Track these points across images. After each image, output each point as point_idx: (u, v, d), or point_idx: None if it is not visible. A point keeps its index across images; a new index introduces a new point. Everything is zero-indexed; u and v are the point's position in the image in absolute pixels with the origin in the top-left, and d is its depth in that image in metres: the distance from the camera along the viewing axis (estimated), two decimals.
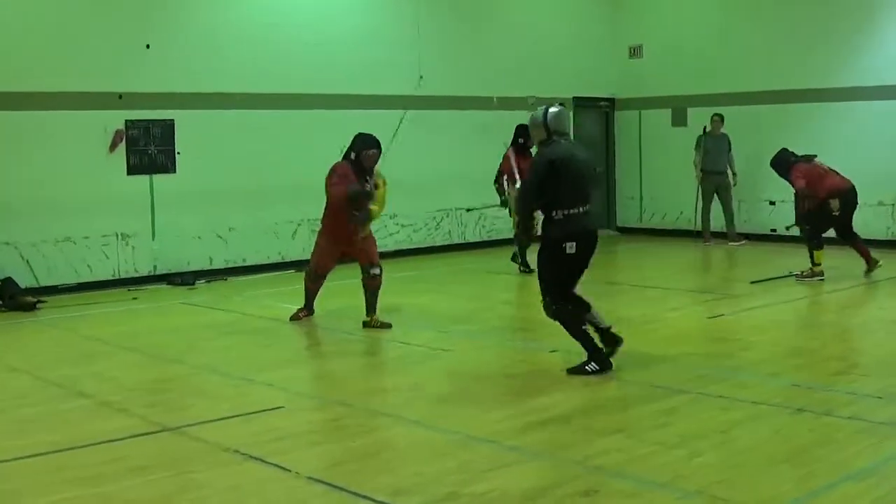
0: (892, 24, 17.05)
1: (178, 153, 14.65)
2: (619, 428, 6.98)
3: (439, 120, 17.56)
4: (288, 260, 15.78)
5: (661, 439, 6.67)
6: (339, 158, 11.14)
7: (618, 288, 13.66)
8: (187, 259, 14.81)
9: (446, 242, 17.89)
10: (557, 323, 8.64)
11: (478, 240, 18.25)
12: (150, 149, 14.38)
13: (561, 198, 8.27)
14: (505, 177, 14.74)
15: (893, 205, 16.97)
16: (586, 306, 8.66)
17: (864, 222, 15.51)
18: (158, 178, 14.51)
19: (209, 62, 14.94)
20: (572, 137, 8.87)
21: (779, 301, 12.13)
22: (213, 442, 6.81)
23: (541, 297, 8.62)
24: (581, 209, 8.36)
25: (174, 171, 14.64)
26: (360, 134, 11.16)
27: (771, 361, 8.95)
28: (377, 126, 16.32)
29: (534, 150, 9.18)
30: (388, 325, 10.89)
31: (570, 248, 8.29)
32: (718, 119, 18.03)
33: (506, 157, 14.88)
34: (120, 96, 14.13)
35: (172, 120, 14.59)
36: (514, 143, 14.88)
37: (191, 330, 11.25)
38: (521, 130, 14.66)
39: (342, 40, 16.40)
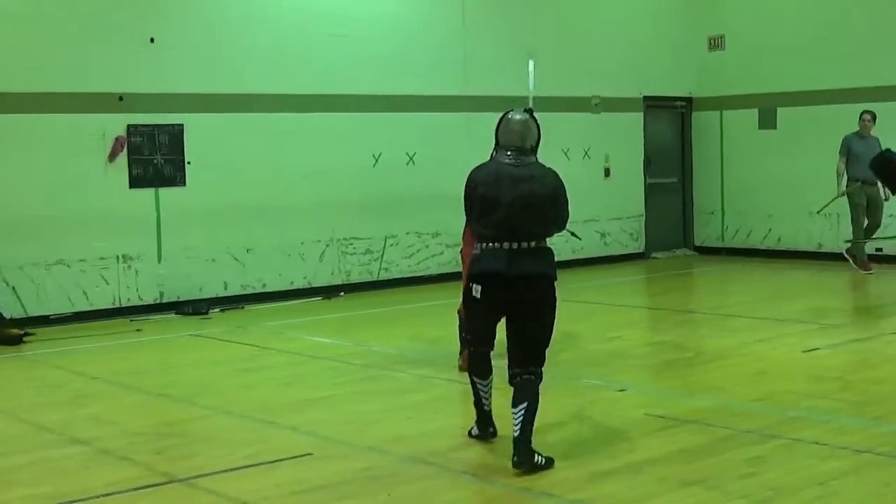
0: None
1: (188, 163, 14.76)
2: (699, 479, 6.92)
3: (487, 123, 17.52)
4: (315, 286, 15.84)
5: (748, 492, 6.61)
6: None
7: (695, 316, 13.62)
8: (199, 285, 14.91)
9: None
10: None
11: None
12: (155, 158, 14.49)
13: (478, 227, 7.62)
14: None
15: None
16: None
17: None
18: (165, 192, 14.61)
19: (223, 59, 15.05)
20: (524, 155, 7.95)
21: (884, 332, 12.04)
22: (228, 495, 6.82)
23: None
24: (502, 244, 7.50)
25: (183, 184, 14.74)
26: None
27: (876, 403, 8.86)
28: (418, 130, 16.52)
29: None
30: None
31: (476, 290, 7.56)
32: (869, 117, 17.21)
33: None
34: (120, 98, 14.27)
35: (181, 125, 14.70)
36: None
37: (203, 366, 11.30)
38: None
39: (375, 34, 16.48)
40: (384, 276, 16.60)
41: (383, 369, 10.77)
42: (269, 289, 15.52)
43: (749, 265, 18.55)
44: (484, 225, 7.55)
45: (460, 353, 11.14)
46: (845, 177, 17.03)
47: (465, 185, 7.79)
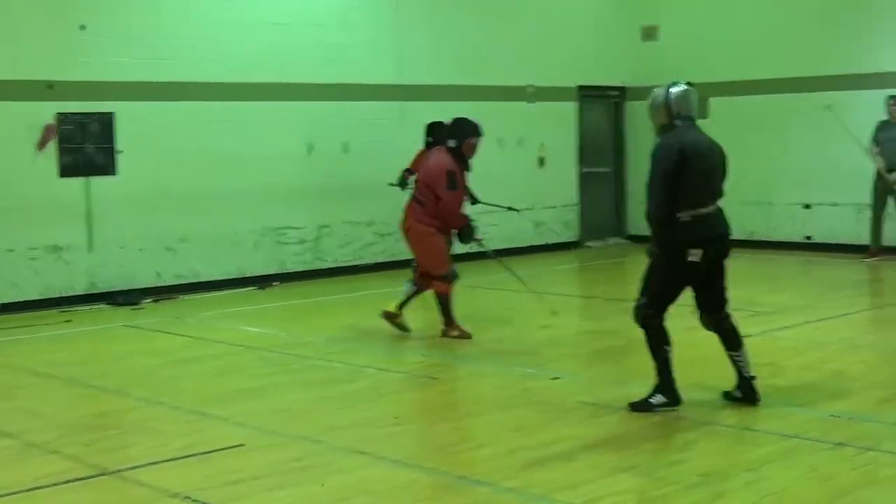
0: None
1: (119, 152, 14.61)
2: (630, 465, 6.99)
3: (424, 113, 17.54)
4: (249, 275, 15.77)
5: (678, 478, 6.68)
6: (423, 146, 11.43)
7: (628, 305, 13.50)
8: (131, 275, 14.77)
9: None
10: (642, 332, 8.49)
11: (467, 250, 18.20)
12: (85, 146, 14.35)
13: (686, 196, 8.07)
14: (412, 176, 14.82)
15: None
16: (733, 343, 8.52)
17: None
18: (96, 181, 14.47)
19: (154, 46, 14.90)
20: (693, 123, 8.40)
21: (815, 319, 12.17)
22: (159, 487, 6.78)
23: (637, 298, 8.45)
24: (710, 208, 8.20)
25: (114, 173, 14.60)
26: (459, 119, 11.52)
27: (806, 389, 8.97)
28: (352, 120, 16.49)
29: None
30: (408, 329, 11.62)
31: (694, 255, 8.07)
32: (894, 102, 16.63)
33: (417, 155, 14.87)
34: (50, 86, 14.10)
35: (112, 113, 14.55)
36: (426, 142, 14.79)
37: (134, 357, 11.22)
38: (431, 128, 14.85)
39: (310, 22, 16.41)
40: (318, 265, 16.55)
41: (317, 359, 10.76)
42: (202, 278, 15.41)
43: None
44: (702, 191, 8.15)
45: (452, 326, 11.22)
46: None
47: (678, 152, 8.06)
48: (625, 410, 8.30)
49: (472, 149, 11.38)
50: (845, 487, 6.44)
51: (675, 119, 8.25)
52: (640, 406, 8.31)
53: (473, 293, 15.15)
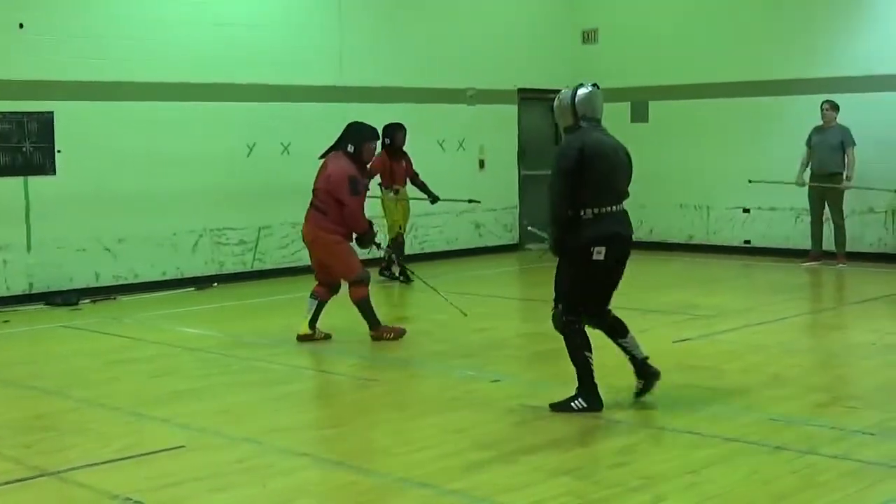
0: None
1: (59, 151, 14.50)
2: (572, 468, 7.01)
3: (365, 115, 17.49)
4: (187, 276, 15.69)
5: (619, 481, 6.71)
6: (330, 147, 11.38)
7: None
8: (69, 275, 14.67)
9: (365, 256, 17.81)
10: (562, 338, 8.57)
11: (411, 252, 18.23)
12: (24, 146, 14.22)
13: (592, 195, 8.18)
14: (371, 180, 14.93)
15: (886, 212, 17.20)
16: (622, 330, 8.66)
17: None
18: (34, 181, 14.34)
19: (94, 45, 14.80)
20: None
21: (754, 322, 12.27)
22: (99, 488, 6.73)
23: (553, 305, 8.54)
24: (614, 208, 8.29)
25: (53, 173, 14.48)
26: (356, 123, 11.57)
27: (746, 392, 9.02)
28: (293, 121, 16.44)
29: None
30: (329, 336, 11.47)
31: (598, 253, 8.17)
32: (829, 107, 16.82)
33: (375, 160, 14.93)
34: None
35: (51, 112, 14.43)
36: (382, 144, 14.91)
37: (73, 358, 11.14)
38: (388, 130, 15.10)
39: (251, 22, 16.37)
40: (258, 266, 16.49)
41: (256, 360, 10.72)
42: (141, 279, 15.32)
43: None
44: (604, 190, 8.24)
45: (380, 328, 11.21)
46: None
47: (577, 151, 8.16)
48: (567, 414, 8.31)
49: (371, 153, 11.49)
50: (786, 490, 6.49)
51: (580, 121, 8.39)
52: (560, 407, 8.35)
53: (410, 294, 15.19)
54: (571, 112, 8.41)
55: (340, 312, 11.87)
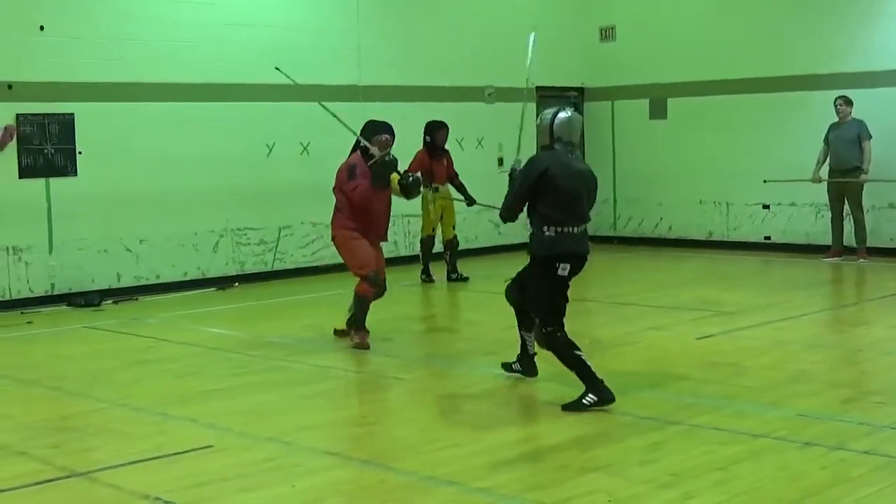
0: None
1: (80, 153, 14.54)
2: (601, 465, 6.99)
3: (384, 114, 17.46)
4: (209, 276, 15.72)
5: (649, 478, 6.68)
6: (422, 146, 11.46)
7: (589, 305, 13.70)
8: (91, 276, 14.71)
9: (392, 254, 17.81)
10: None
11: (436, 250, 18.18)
12: (45, 148, 14.25)
13: (554, 213, 8.59)
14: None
15: None
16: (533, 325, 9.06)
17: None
18: (56, 182, 14.37)
19: (115, 47, 14.85)
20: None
21: (777, 318, 12.22)
22: (129, 489, 6.74)
23: (509, 283, 9.40)
24: (574, 229, 8.65)
25: (75, 174, 14.52)
26: (371, 120, 11.62)
27: (771, 388, 9.00)
28: (312, 120, 16.40)
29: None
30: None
31: (563, 269, 8.63)
32: (842, 102, 16.84)
33: (416, 158, 15.33)
34: (9, 86, 14.01)
35: (72, 114, 14.47)
36: (423, 142, 15.36)
37: (96, 358, 11.16)
38: (429, 128, 15.17)
39: (269, 21, 16.39)
40: (279, 266, 16.51)
41: (280, 360, 10.72)
42: (162, 280, 15.35)
43: (641, 253, 18.73)
44: (565, 211, 8.64)
45: (356, 332, 11.19)
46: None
47: (541, 171, 8.60)
48: (591, 411, 8.30)
49: (384, 145, 11.35)
50: (816, 486, 6.46)
51: (555, 143, 8.78)
52: (573, 406, 8.42)
53: (438, 295, 15.20)
54: (549, 133, 8.80)
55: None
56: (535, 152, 8.90)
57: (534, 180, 8.58)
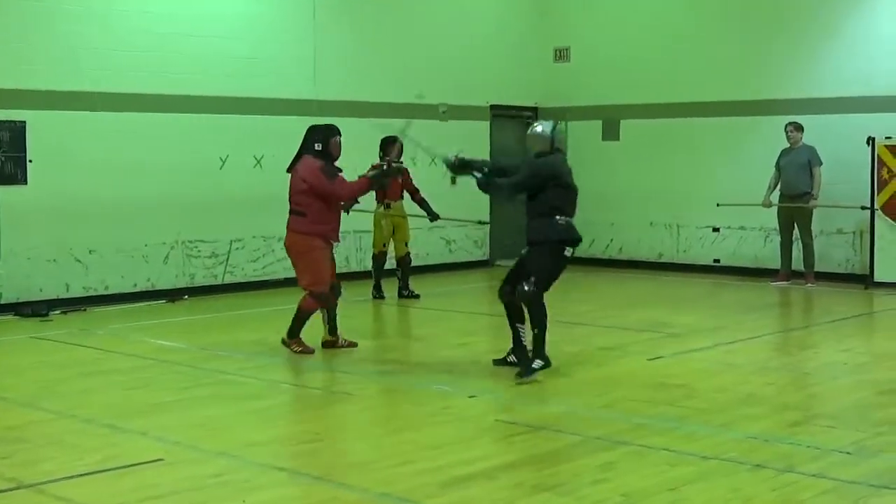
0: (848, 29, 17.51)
1: (30, 161, 14.40)
2: (553, 484, 7.01)
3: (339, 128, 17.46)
4: (159, 288, 15.62)
5: (601, 497, 6.71)
6: (296, 156, 11.59)
7: None
8: (39, 286, 14.57)
9: (342, 269, 17.74)
10: (523, 308, 10.36)
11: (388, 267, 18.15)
12: None
13: (565, 206, 10.39)
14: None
15: (854, 233, 17.29)
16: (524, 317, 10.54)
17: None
18: (5, 190, 14.24)
19: (67, 55, 14.73)
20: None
21: (726, 341, 12.30)
22: (78, 501, 6.69)
23: (502, 284, 10.68)
24: (573, 219, 10.47)
25: (24, 182, 14.38)
26: (315, 125, 11.87)
27: (721, 410, 9.05)
28: (266, 134, 16.39)
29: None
30: (355, 344, 11.78)
31: (569, 252, 10.39)
32: (793, 129, 16.98)
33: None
34: None
35: (24, 122, 14.34)
36: (379, 157, 15.35)
37: (44, 369, 11.05)
38: (382, 143, 15.33)
39: (223, 33, 16.32)
40: (229, 279, 16.43)
41: (230, 374, 10.67)
42: (111, 291, 15.23)
43: (592, 274, 18.75)
44: (572, 205, 10.56)
45: (296, 339, 11.22)
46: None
47: (557, 172, 10.45)
48: (546, 430, 8.32)
49: (338, 147, 11.55)
50: None
51: (554, 150, 10.53)
52: (526, 373, 10.06)
53: (389, 311, 15.19)
54: (550, 142, 10.54)
55: (315, 329, 11.81)
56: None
57: (543, 179, 10.32)
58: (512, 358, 10.62)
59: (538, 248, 10.38)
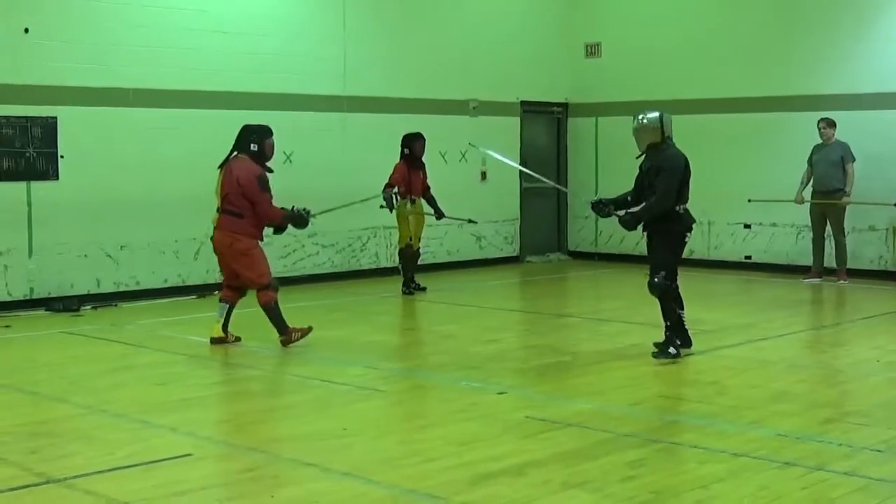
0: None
1: (62, 157, 14.47)
2: (582, 481, 6.97)
3: (367, 125, 17.51)
4: (189, 284, 15.67)
5: (630, 495, 6.68)
6: (230, 153, 11.76)
7: (570, 320, 13.75)
8: (70, 281, 14.64)
9: (373, 266, 17.83)
10: (657, 299, 10.96)
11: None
12: (27, 151, 14.19)
13: (683, 194, 10.86)
14: (394, 189, 15.47)
15: (887, 230, 17.20)
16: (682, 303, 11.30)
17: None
18: (37, 186, 14.31)
19: (99, 51, 14.80)
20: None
21: (757, 338, 12.25)
22: (108, 496, 6.69)
23: (650, 277, 10.99)
24: (688, 205, 11.00)
25: (56, 178, 14.46)
26: (249, 124, 11.95)
27: (751, 407, 9.00)
28: (296, 130, 16.41)
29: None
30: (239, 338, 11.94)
31: (688, 238, 11.07)
32: (825, 125, 16.89)
33: (396, 170, 15.53)
34: None
35: (55, 118, 14.42)
36: (401, 154, 15.50)
37: (75, 364, 11.11)
38: (407, 140, 15.28)
39: (255, 30, 16.36)
40: None
41: (260, 369, 10.72)
42: (142, 286, 15.30)
43: (622, 270, 18.72)
44: (687, 192, 11.00)
45: (288, 331, 11.28)
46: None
47: (686, 163, 10.95)
48: (575, 427, 8.30)
49: (272, 148, 11.80)
50: None
51: (666, 139, 10.84)
52: (662, 355, 10.83)
53: (419, 307, 15.18)
54: (661, 131, 10.83)
55: (344, 325, 11.84)
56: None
57: (682, 172, 10.79)
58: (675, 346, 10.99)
59: (661, 239, 10.96)
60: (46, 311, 14.18)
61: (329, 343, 11.90)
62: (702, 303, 14.97)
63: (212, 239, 11.83)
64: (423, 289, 15.88)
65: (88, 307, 14.39)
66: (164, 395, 9.56)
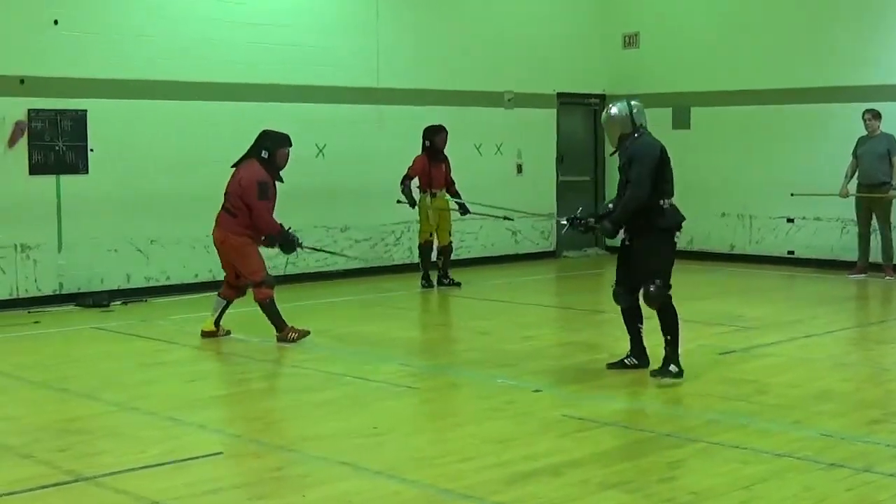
0: None
1: (91, 150, 14.52)
2: (620, 482, 6.94)
3: (401, 117, 17.48)
4: (220, 278, 15.57)
5: (669, 496, 6.64)
6: (242, 156, 11.84)
7: (606, 317, 13.61)
8: (100, 276, 14.69)
9: (407, 260, 17.80)
10: (655, 312, 9.98)
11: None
12: (57, 144, 14.24)
13: (667, 188, 9.84)
14: (412, 181, 15.59)
15: None
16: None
17: None
18: (67, 180, 14.37)
19: (129, 43, 14.84)
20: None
21: (800, 335, 12.17)
22: (138, 495, 6.70)
23: (614, 287, 10.47)
24: (673, 199, 9.94)
25: (86, 172, 14.51)
26: (269, 130, 11.94)
27: (794, 407, 8.93)
28: (329, 123, 16.42)
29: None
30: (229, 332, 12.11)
31: (678, 237, 10.00)
32: (870, 116, 16.75)
33: (415, 163, 15.62)
34: (21, 81, 14.01)
35: (85, 111, 14.46)
36: (422, 146, 15.61)
37: (105, 360, 11.15)
38: (428, 132, 15.32)
39: (288, 22, 16.37)
40: (291, 270, 16.42)
41: (291, 366, 10.72)
42: (172, 281, 15.34)
43: None
44: (671, 185, 9.95)
45: (286, 328, 11.30)
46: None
47: (660, 152, 9.85)
48: (613, 426, 8.27)
49: (285, 158, 11.83)
50: None
51: (638, 128, 9.88)
52: (660, 373, 9.74)
53: (452, 302, 15.16)
54: (630, 122, 9.86)
55: (376, 321, 11.83)
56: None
57: (657, 160, 9.72)
58: (631, 360, 10.21)
59: (647, 241, 9.86)
60: (76, 306, 14.22)
61: (361, 339, 11.91)
62: (743, 298, 14.93)
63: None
64: (458, 284, 15.87)
65: (118, 302, 14.43)
66: (194, 392, 9.60)
